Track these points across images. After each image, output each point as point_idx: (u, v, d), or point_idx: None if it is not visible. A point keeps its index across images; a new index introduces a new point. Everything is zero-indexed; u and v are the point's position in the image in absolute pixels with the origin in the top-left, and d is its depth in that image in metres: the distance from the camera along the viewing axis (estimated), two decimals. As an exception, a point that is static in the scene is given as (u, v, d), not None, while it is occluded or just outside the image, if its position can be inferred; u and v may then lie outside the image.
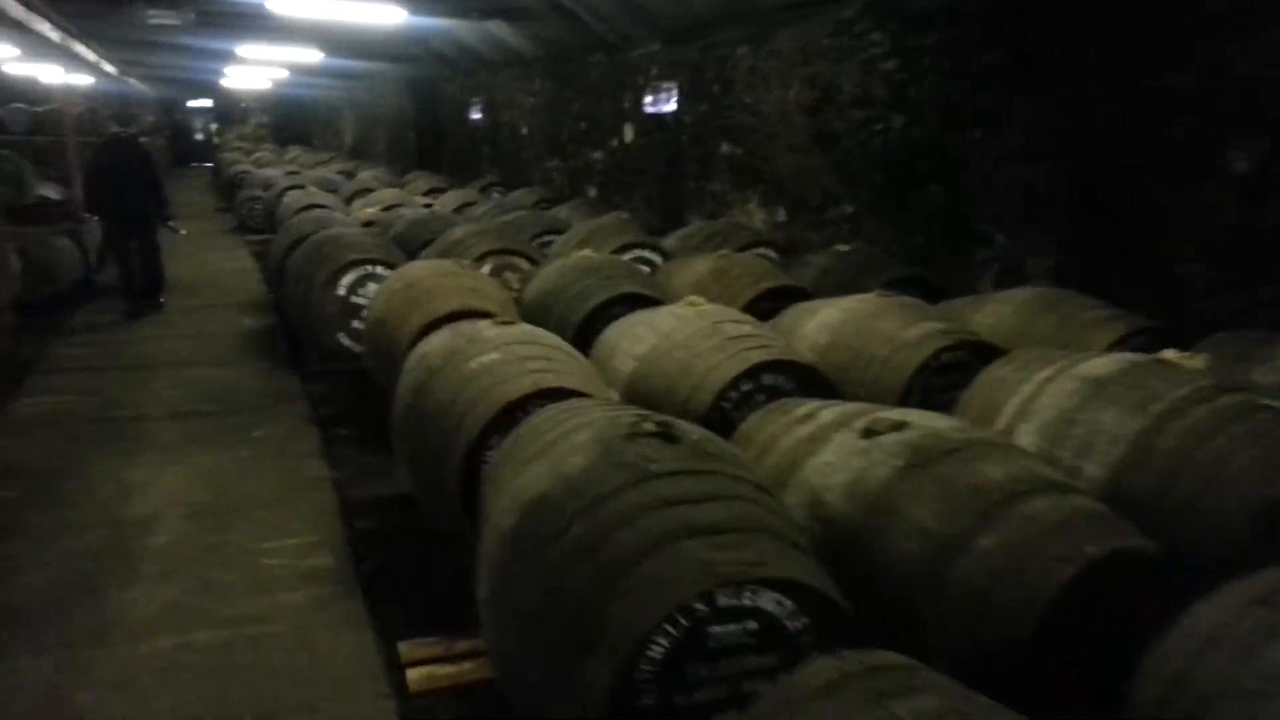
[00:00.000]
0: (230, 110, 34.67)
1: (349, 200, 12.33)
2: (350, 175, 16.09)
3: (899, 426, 2.89)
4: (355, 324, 6.48)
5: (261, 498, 4.66)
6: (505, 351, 3.82)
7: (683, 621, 2.15)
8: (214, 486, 4.80)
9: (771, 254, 7.55)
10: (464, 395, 3.65)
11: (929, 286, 6.02)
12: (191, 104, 34.72)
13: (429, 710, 3.08)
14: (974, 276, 6.26)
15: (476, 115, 17.11)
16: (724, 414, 3.89)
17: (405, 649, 3.35)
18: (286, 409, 6.16)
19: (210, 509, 4.52)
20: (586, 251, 6.18)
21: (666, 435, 2.64)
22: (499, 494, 2.82)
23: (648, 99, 10.85)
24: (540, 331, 4.16)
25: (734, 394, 3.90)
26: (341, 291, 6.47)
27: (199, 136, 35.57)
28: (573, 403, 3.23)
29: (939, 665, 1.83)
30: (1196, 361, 3.26)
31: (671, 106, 10.37)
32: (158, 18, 9.90)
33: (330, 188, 13.45)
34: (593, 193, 12.48)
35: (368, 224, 9.27)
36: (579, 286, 5.63)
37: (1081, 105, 5.37)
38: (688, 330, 4.18)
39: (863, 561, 2.65)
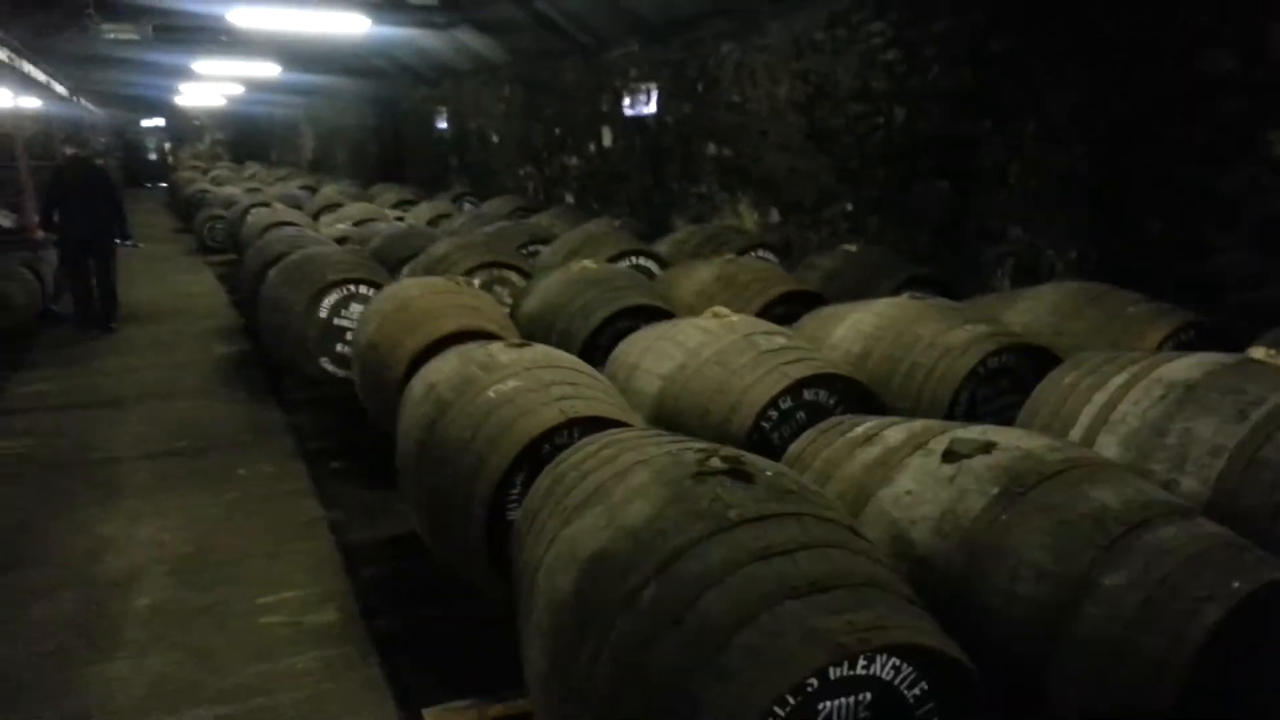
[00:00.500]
0: (184, 128, 33.89)
1: (315, 216, 11.87)
2: (313, 190, 15.58)
3: (986, 448, 2.58)
4: (340, 348, 6.09)
5: (252, 546, 4.26)
6: (525, 378, 3.47)
7: (791, 701, 1.82)
8: (198, 536, 4.39)
9: (771, 257, 7.26)
10: (483, 430, 3.30)
11: (944, 286, 5.76)
12: (145, 123, 33.85)
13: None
14: (988, 273, 6.01)
15: (442, 124, 16.71)
16: (764, 435, 3.58)
17: (432, 717, 3.00)
18: (271, 443, 5.75)
19: (196, 562, 4.11)
20: (586, 262, 5.83)
21: (739, 472, 2.31)
22: (543, 546, 2.47)
23: (626, 101, 10.54)
24: (559, 353, 3.81)
25: (773, 412, 3.58)
26: (324, 314, 6.07)
27: (152, 156, 34.71)
28: (613, 434, 2.89)
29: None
30: (1289, 360, 2.99)
31: (652, 108, 10.07)
32: (115, 32, 9.41)
33: (295, 204, 12.97)
34: (570, 199, 12.14)
35: (341, 240, 8.86)
36: (582, 300, 5.29)
37: (1105, 89, 5.12)
38: (718, 344, 3.85)
39: (965, 608, 2.33)
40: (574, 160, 12.02)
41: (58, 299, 10.15)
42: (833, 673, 1.84)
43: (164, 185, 28.03)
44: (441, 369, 3.81)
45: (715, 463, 2.35)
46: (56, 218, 8.67)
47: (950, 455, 2.60)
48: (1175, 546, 2.20)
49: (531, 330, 5.40)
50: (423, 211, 11.42)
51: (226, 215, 13.87)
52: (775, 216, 8.21)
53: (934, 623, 2.02)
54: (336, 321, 6.10)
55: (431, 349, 4.74)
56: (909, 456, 2.76)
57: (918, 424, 2.99)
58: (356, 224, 10.28)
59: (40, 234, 9.20)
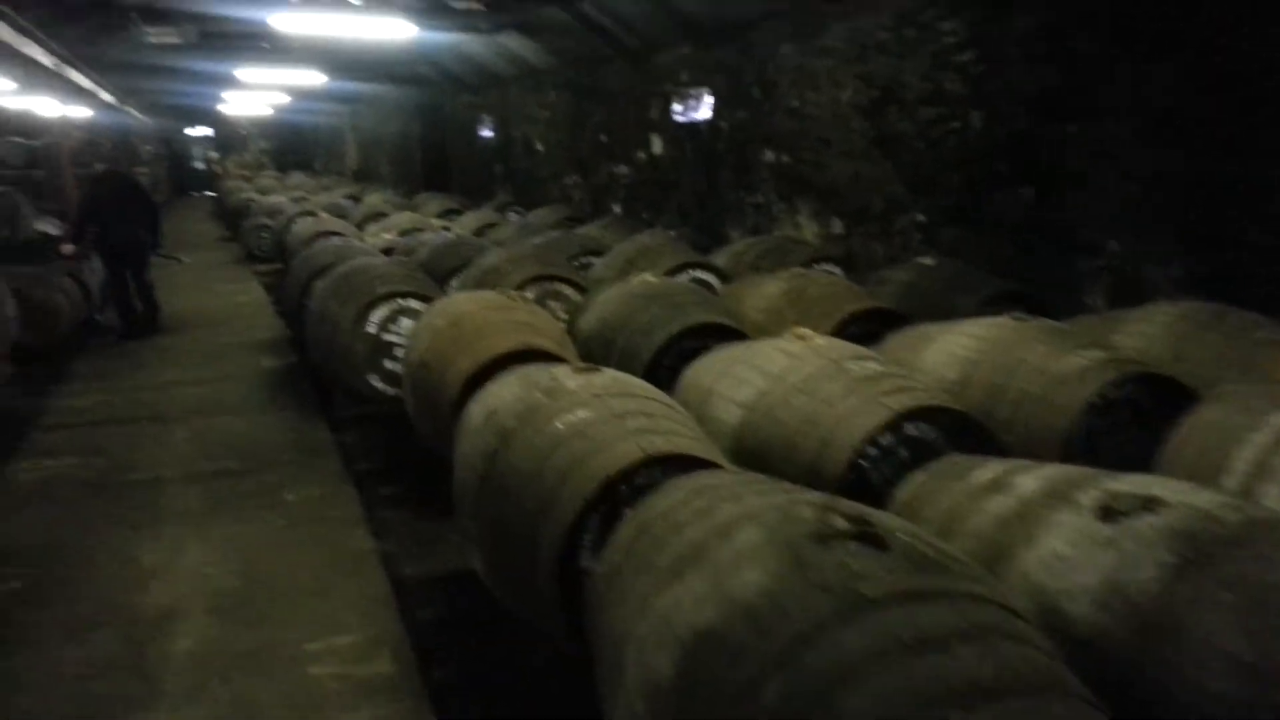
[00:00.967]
0: (230, 138, 34.20)
1: (360, 225, 11.71)
2: (357, 199, 15.48)
3: (1149, 504, 2.21)
4: (388, 364, 5.83)
5: (300, 581, 3.99)
6: (595, 406, 3.15)
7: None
8: (243, 567, 4.13)
9: (836, 270, 6.90)
10: (552, 464, 2.98)
11: (1034, 304, 5.35)
12: (190, 132, 34.23)
13: None
14: (1079, 290, 5.59)
15: (486, 132, 16.51)
16: (861, 474, 3.22)
17: (497, 791, 2.69)
18: (318, 465, 5.50)
19: (241, 598, 3.84)
20: (647, 275, 5.51)
21: (868, 534, 1.96)
22: (633, 614, 2.14)
23: (677, 107, 10.22)
24: (630, 378, 3.49)
25: (872, 449, 3.22)
26: (372, 329, 5.81)
27: (199, 165, 35.11)
28: (704, 477, 2.56)
29: None
30: None
31: (705, 114, 9.74)
32: (158, 36, 9.30)
33: (340, 213, 12.83)
34: (618, 209, 11.84)
35: (387, 250, 8.65)
36: (645, 317, 4.97)
37: (1210, 80, 4.69)
38: (804, 370, 3.51)
39: (1139, 701, 1.97)
40: (622, 168, 11.72)
41: (103, 309, 10.06)
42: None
43: (211, 194, 28.26)
44: (502, 394, 3.51)
45: (838, 521, 2.01)
46: (91, 230, 9.07)
47: (1107, 513, 2.23)
48: (1406, 635, 1.82)
49: (590, 348, 5.09)
50: (468, 221, 11.19)
51: (272, 224, 13.80)
52: (838, 227, 7.84)
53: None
54: (385, 337, 5.84)
55: (487, 369, 4.47)
56: (1052, 511, 2.40)
57: (1052, 469, 2.63)
58: (402, 233, 10.08)
59: (68, 248, 9.20)
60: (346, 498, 4.95)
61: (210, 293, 11.80)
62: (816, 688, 1.67)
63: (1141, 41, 5.06)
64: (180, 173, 33.65)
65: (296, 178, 23.93)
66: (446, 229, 10.80)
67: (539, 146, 14.27)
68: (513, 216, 12.49)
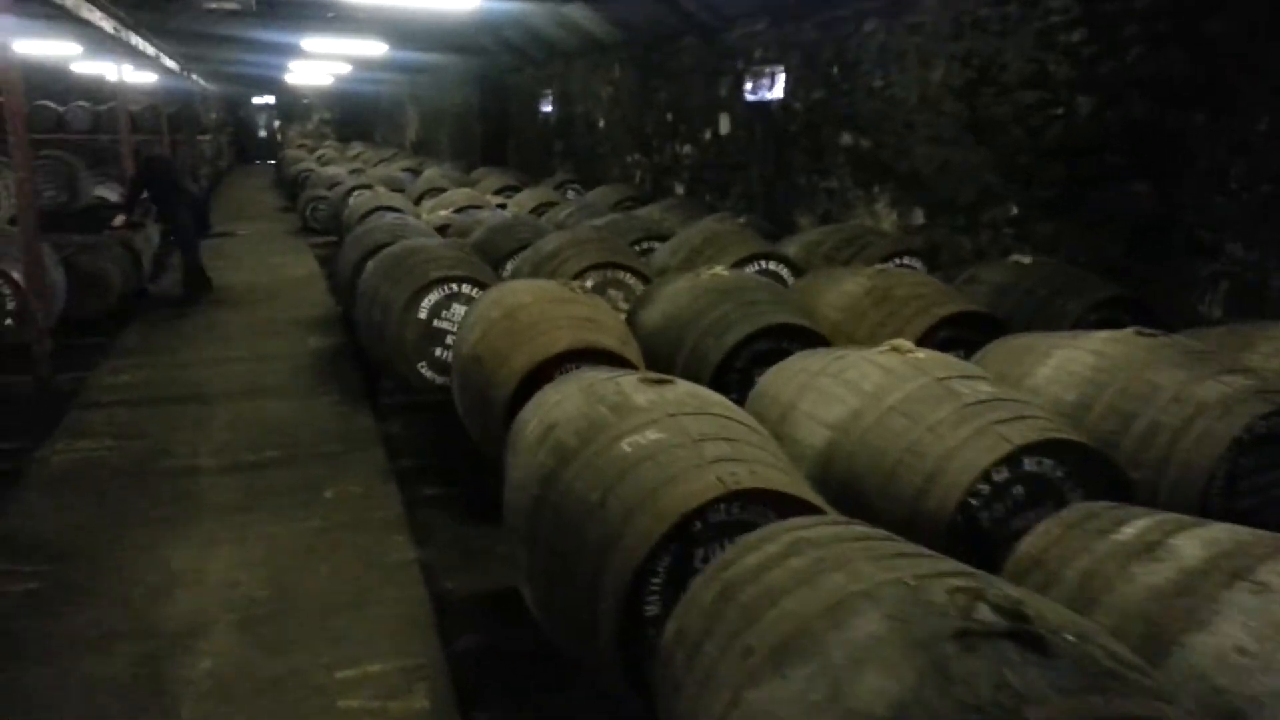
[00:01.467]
0: (293, 107, 34.35)
1: (417, 200, 11.44)
2: (416, 173, 15.23)
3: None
4: (438, 352, 5.51)
5: (333, 594, 3.68)
6: (668, 427, 2.76)
7: None
8: (275, 575, 3.83)
9: (919, 265, 6.40)
10: (617, 493, 2.60)
11: (1140, 310, 4.82)
12: (256, 100, 34.44)
13: None
14: (1194, 298, 5.04)
15: (547, 108, 16.14)
16: (970, 514, 2.79)
17: None
18: (360, 457, 5.20)
19: (269, 612, 3.54)
20: (717, 268, 5.09)
21: (1026, 634, 1.55)
22: (718, 704, 1.76)
23: (748, 85, 9.72)
24: (706, 393, 3.09)
25: (984, 486, 2.79)
26: (423, 315, 5.49)
27: (262, 134, 35.34)
28: (800, 527, 2.15)
29: None
30: None
31: (777, 93, 9.23)
32: (216, 4, 9.06)
33: (397, 187, 12.59)
34: (680, 190, 11.40)
35: (441, 228, 8.34)
36: (715, 314, 4.56)
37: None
38: (904, 389, 3.08)
39: None
40: (687, 148, 11.26)
41: (155, 279, 9.93)
42: None
43: (273, 162, 28.38)
44: (562, 406, 3.13)
45: (984, 613, 1.60)
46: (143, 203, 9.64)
47: (1311, 604, 1.79)
48: None
49: (653, 347, 4.70)
50: (525, 199, 10.84)
51: (329, 196, 13.63)
52: (919, 217, 7.31)
53: None
54: (436, 324, 5.52)
55: (544, 367, 4.11)
56: (1225, 588, 1.96)
57: (1217, 530, 2.18)
58: (458, 210, 9.77)
59: (120, 218, 9.34)
60: (388, 496, 4.64)
61: (264, 265, 11.64)
62: None
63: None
64: (245, 140, 33.94)
65: (356, 148, 23.85)
66: (503, 206, 10.48)
67: (601, 123, 13.86)
68: (571, 195, 12.12)
